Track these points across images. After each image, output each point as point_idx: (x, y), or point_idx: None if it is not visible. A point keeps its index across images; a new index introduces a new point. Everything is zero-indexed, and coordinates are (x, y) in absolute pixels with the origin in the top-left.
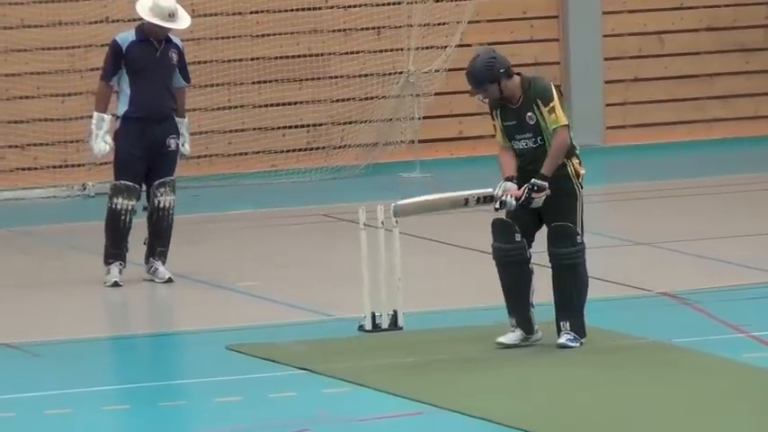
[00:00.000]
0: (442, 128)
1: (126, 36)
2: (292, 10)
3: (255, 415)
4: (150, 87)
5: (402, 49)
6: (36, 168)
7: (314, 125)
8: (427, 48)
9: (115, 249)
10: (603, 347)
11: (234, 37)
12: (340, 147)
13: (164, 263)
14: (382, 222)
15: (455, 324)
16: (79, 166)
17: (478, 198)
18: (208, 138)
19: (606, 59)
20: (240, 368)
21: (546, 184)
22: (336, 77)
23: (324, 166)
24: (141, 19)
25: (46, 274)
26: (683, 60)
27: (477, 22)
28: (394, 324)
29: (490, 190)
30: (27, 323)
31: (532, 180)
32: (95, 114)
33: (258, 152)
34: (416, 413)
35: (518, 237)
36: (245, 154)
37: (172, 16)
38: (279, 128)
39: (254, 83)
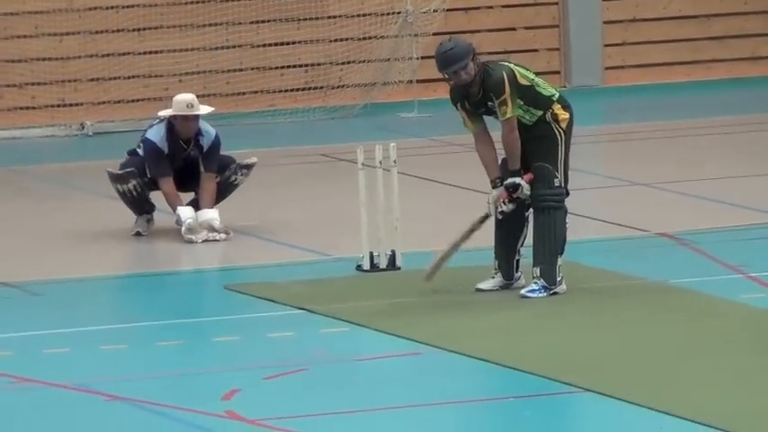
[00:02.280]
0: None
1: (159, 136)
2: None
3: (254, 355)
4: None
5: None
6: (34, 108)
7: (312, 65)
8: None
9: (137, 209)
10: (601, 288)
11: None
12: (338, 86)
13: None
14: (380, 162)
15: (453, 264)
16: (77, 105)
17: (480, 222)
18: (206, 77)
19: (605, 0)
20: (238, 308)
21: (518, 179)
22: (335, 17)
23: (322, 105)
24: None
25: (44, 214)
26: (682, 1)
27: None
28: (392, 264)
29: (485, 213)
30: (26, 263)
31: (504, 183)
32: (179, 211)
33: (256, 92)
34: (415, 353)
35: (528, 200)
36: (243, 94)
37: (190, 106)
38: (277, 68)
39: (252, 22)
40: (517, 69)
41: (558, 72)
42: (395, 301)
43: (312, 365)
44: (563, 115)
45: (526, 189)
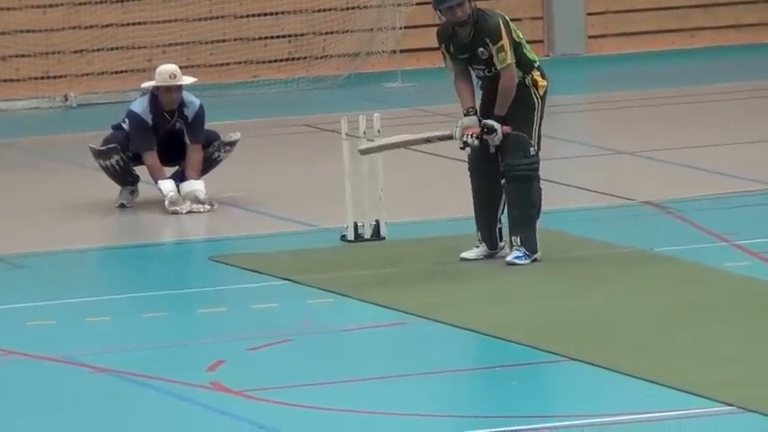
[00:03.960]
0: (423, 37)
1: (142, 107)
2: None
3: (238, 325)
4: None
5: None
6: (18, 80)
7: (295, 35)
8: None
9: (120, 181)
10: (587, 257)
11: None
12: (322, 57)
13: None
14: (364, 132)
15: (438, 234)
16: (61, 77)
17: (439, 137)
18: (189, 48)
19: None
20: (223, 279)
21: (497, 124)
22: None
23: (305, 76)
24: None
25: (28, 186)
26: None
27: None
28: (376, 234)
29: (449, 132)
30: (10, 235)
31: (483, 121)
32: (160, 184)
33: (240, 63)
34: (400, 323)
35: (493, 149)
36: (227, 64)
37: (173, 77)
38: (260, 38)
39: None
40: (510, 23)
41: (541, 41)
42: (380, 272)
43: (297, 336)
44: (542, 82)
45: (498, 139)
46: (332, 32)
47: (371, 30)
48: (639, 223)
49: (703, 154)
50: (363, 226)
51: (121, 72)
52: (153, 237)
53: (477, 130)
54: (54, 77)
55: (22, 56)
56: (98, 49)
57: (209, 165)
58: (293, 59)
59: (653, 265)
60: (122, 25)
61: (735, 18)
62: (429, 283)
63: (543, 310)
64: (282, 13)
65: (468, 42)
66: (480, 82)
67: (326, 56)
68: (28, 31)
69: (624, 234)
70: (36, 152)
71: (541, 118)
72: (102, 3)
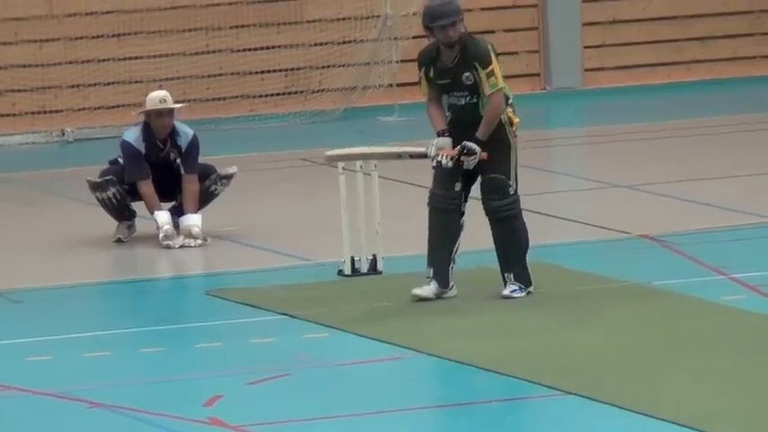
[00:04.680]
0: None
1: (134, 136)
2: None
3: (236, 360)
4: (158, 187)
5: None
6: (14, 114)
7: (292, 69)
8: None
9: (117, 215)
10: (583, 291)
11: None
12: (318, 91)
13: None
14: (361, 166)
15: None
16: (57, 111)
17: (411, 154)
18: (186, 82)
19: (584, 1)
20: (220, 313)
21: (478, 148)
22: (314, 21)
23: (302, 110)
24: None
25: (25, 221)
26: (662, 2)
27: None
28: (373, 268)
29: (423, 149)
30: (7, 269)
31: (464, 143)
32: (156, 216)
33: (236, 97)
34: (397, 357)
35: (458, 186)
36: (224, 99)
37: (163, 102)
38: (257, 72)
39: (231, 27)
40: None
41: (537, 74)
42: (376, 306)
43: (294, 371)
44: (515, 119)
45: (473, 164)
46: (328, 66)
47: (368, 64)
48: (636, 257)
49: (700, 187)
50: (360, 260)
51: (118, 107)
52: (150, 271)
53: (453, 151)
54: (51, 112)
55: (19, 90)
56: (95, 84)
57: (206, 198)
58: (290, 94)
59: (649, 299)
60: (119, 60)
61: (731, 51)
62: (426, 317)
63: (539, 344)
64: (279, 47)
65: (452, 66)
66: (453, 110)
67: (323, 90)
68: (24, 66)
69: (620, 268)
70: (33, 186)
71: (517, 155)
72: (98, 37)
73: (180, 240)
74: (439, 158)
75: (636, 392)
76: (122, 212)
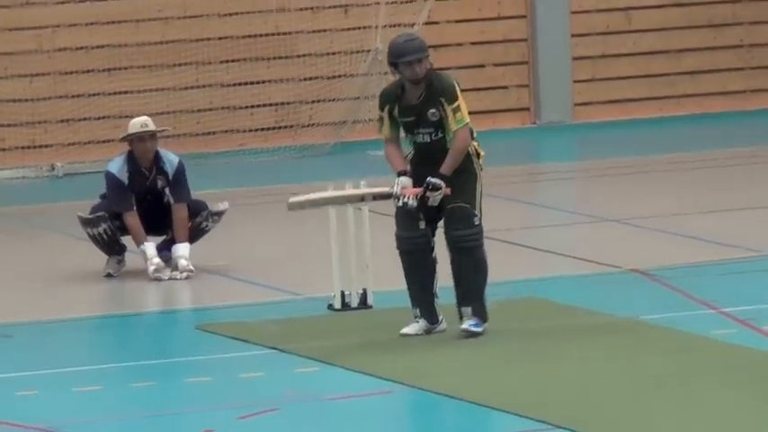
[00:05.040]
0: None
1: (118, 166)
2: None
3: (225, 395)
4: (145, 217)
5: (370, 27)
6: (4, 149)
7: (282, 104)
8: (395, 26)
9: (108, 250)
10: (573, 325)
11: (202, 16)
12: (308, 125)
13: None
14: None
15: None
16: (47, 146)
17: (375, 196)
18: (175, 117)
19: (574, 36)
20: (210, 348)
21: (442, 183)
22: (304, 56)
23: (292, 144)
24: (129, 137)
25: (15, 255)
26: (651, 36)
27: None
28: (363, 303)
29: (387, 189)
30: None
31: (428, 179)
32: (143, 248)
33: (226, 131)
34: (387, 392)
35: (422, 225)
36: (214, 133)
37: (144, 126)
38: (247, 107)
39: (222, 62)
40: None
41: (527, 109)
42: (366, 340)
43: (284, 405)
44: (482, 152)
45: (438, 199)
46: (318, 101)
47: (358, 98)
48: (625, 291)
49: (690, 221)
50: (350, 294)
51: (108, 141)
52: (140, 306)
53: (417, 190)
54: (41, 147)
55: (9, 125)
56: (84, 119)
57: (196, 234)
58: (279, 128)
59: (639, 333)
60: (109, 94)
61: (721, 85)
62: (415, 351)
63: (529, 377)
64: (268, 81)
65: (417, 104)
66: (419, 148)
67: (313, 124)
68: (14, 101)
69: (610, 302)
70: (23, 221)
71: (482, 187)
72: (88, 72)
73: (168, 273)
74: (405, 199)
75: (625, 425)
76: (113, 247)
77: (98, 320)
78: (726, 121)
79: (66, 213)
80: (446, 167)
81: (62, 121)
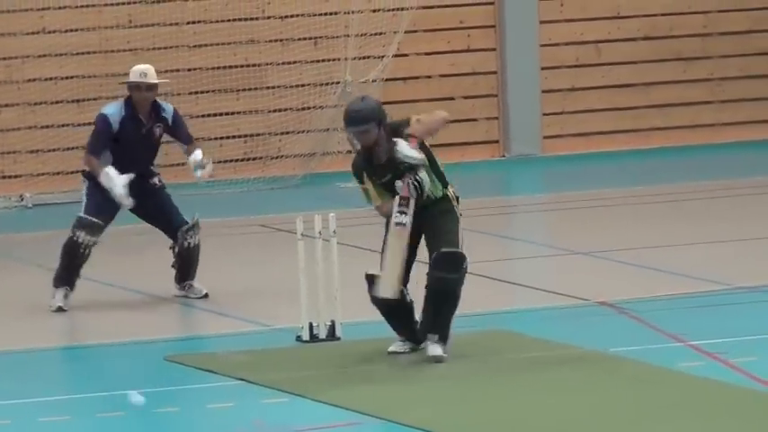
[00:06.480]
0: None
1: (115, 111)
2: (229, 20)
3: (193, 426)
4: (132, 160)
5: (339, 60)
6: None
7: (251, 135)
8: (364, 58)
9: (67, 275)
10: (541, 357)
11: (171, 47)
12: (277, 157)
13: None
14: (320, 232)
15: (393, 335)
16: (16, 177)
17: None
18: None
19: (543, 69)
20: (178, 379)
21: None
22: (274, 87)
23: (261, 176)
24: (128, 84)
25: None
26: (621, 69)
27: (414, 32)
28: (332, 334)
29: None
30: None
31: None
32: (101, 176)
33: None
34: (354, 423)
35: (403, 290)
36: (182, 164)
37: (143, 75)
38: (216, 138)
39: (190, 93)
40: None
41: (497, 141)
42: (335, 372)
43: None
44: (458, 194)
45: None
46: (287, 132)
47: (327, 130)
48: (594, 323)
49: (659, 254)
50: (318, 326)
51: (78, 172)
52: (108, 336)
53: (406, 192)
54: (9, 177)
55: None
56: (54, 149)
57: (189, 257)
58: (249, 159)
59: (607, 366)
60: (78, 125)
61: (690, 119)
62: (383, 383)
63: (498, 410)
64: (238, 113)
65: (387, 161)
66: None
67: (282, 156)
68: None
69: (578, 334)
70: None
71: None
72: (57, 103)
73: (130, 201)
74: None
75: None
76: (76, 269)
77: (66, 351)
78: (695, 155)
79: (35, 244)
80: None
81: (31, 151)
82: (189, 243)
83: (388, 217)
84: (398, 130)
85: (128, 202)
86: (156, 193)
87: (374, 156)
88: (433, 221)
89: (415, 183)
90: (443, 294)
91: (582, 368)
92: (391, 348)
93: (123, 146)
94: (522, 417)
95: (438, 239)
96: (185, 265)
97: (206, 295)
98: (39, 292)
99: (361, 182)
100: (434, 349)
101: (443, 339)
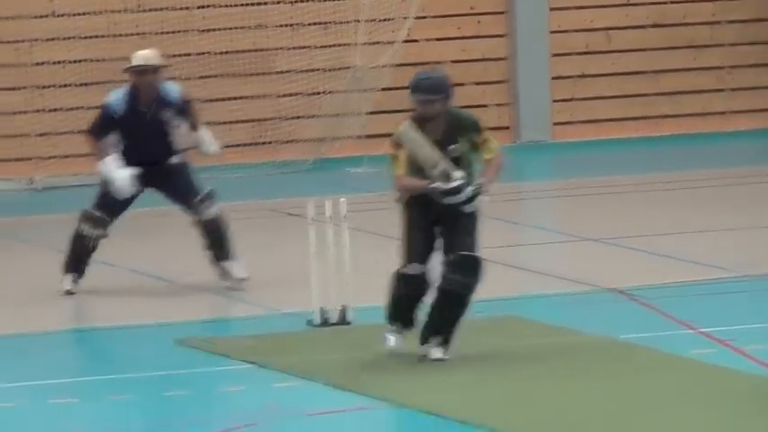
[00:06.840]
0: (389, 123)
1: (118, 99)
2: (239, 5)
3: (204, 409)
4: (141, 149)
5: (349, 45)
6: None
7: (261, 120)
8: (374, 43)
9: (75, 263)
10: (551, 344)
11: (180, 32)
12: (288, 142)
13: (234, 259)
14: (330, 217)
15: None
16: (26, 159)
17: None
18: None
19: (553, 56)
20: (189, 362)
21: (483, 188)
22: (283, 72)
23: (271, 161)
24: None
25: None
26: (631, 57)
27: (424, 17)
28: (343, 319)
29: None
30: None
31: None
32: (100, 165)
33: None
34: (364, 408)
35: (426, 276)
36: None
37: (145, 60)
38: (225, 123)
39: (200, 77)
40: None
41: (507, 128)
42: (346, 356)
43: (262, 420)
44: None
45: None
46: (298, 117)
47: (338, 115)
48: (604, 310)
49: (670, 241)
50: (330, 311)
51: (87, 155)
52: (119, 320)
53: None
54: (19, 160)
55: None
56: (63, 133)
57: (212, 230)
58: (258, 144)
59: (617, 353)
60: (88, 108)
61: (701, 106)
62: (394, 368)
63: (508, 396)
64: (248, 97)
65: (440, 139)
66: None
67: (292, 141)
68: None
69: (589, 321)
70: (1, 234)
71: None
72: (66, 86)
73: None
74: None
75: None
76: (84, 259)
77: (76, 334)
78: (706, 142)
79: (45, 226)
80: (487, 178)
81: (41, 134)
82: (206, 214)
83: (404, 192)
84: (463, 123)
85: (127, 194)
86: (174, 171)
87: (426, 129)
88: (455, 218)
89: (459, 187)
90: (456, 298)
91: (591, 355)
92: (390, 346)
93: (129, 133)
94: (532, 402)
95: (457, 240)
96: (212, 241)
97: (244, 280)
98: (49, 275)
99: (398, 148)
100: (437, 352)
101: (447, 342)
